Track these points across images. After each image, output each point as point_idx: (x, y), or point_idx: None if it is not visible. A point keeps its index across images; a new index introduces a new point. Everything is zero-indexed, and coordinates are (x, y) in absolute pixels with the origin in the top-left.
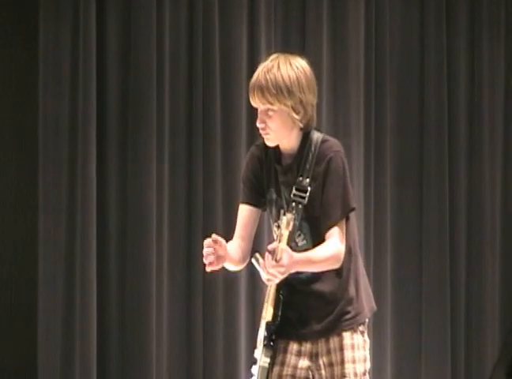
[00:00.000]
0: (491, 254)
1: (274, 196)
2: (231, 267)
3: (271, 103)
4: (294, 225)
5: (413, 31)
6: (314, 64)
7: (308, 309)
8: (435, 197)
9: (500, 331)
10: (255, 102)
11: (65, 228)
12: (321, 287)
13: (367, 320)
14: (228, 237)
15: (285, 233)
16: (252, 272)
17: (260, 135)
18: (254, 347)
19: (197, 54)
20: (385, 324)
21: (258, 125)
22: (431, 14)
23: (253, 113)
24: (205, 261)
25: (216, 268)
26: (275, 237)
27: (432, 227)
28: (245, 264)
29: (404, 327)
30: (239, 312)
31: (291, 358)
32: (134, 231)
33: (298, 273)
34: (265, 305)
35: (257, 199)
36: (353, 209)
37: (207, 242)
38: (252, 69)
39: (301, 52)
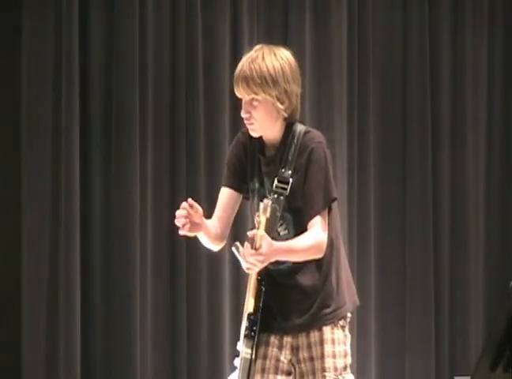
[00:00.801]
0: (474, 247)
1: (257, 185)
2: (206, 241)
3: (256, 93)
4: (272, 211)
5: (396, 26)
6: (297, 59)
7: (289, 302)
8: (419, 191)
9: (484, 323)
10: (240, 92)
11: (49, 228)
12: (301, 279)
13: (348, 314)
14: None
15: (263, 219)
16: (236, 267)
17: (244, 125)
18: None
19: (180, 51)
20: (369, 319)
21: (243, 115)
22: (413, 10)
23: (237, 110)
24: (177, 223)
25: (190, 234)
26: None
27: (416, 222)
28: (220, 246)
29: (388, 321)
30: (223, 307)
31: (272, 351)
32: (118, 230)
33: (279, 264)
34: (247, 295)
35: (239, 184)
36: (335, 199)
37: (182, 205)
38: (235, 66)
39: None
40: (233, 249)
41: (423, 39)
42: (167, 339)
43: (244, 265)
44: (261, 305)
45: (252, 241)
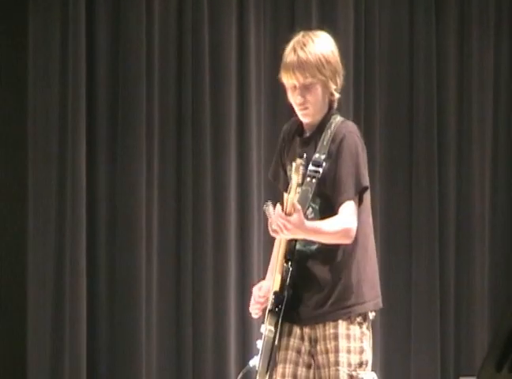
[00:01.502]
0: (480, 248)
1: (291, 171)
2: None
3: (313, 76)
4: (303, 193)
5: (403, 30)
6: None
7: (307, 292)
8: (425, 194)
9: (489, 324)
10: (295, 78)
11: (54, 225)
12: (321, 270)
13: (371, 314)
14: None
15: (294, 180)
16: (242, 267)
17: (293, 113)
18: (244, 343)
19: (186, 49)
20: (374, 321)
21: (297, 100)
22: (420, 13)
23: (243, 105)
24: (254, 316)
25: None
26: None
27: (422, 225)
28: None
29: (393, 321)
30: (229, 307)
31: (294, 342)
32: (124, 228)
33: (306, 244)
34: (274, 272)
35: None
36: (366, 188)
37: (257, 299)
38: (241, 59)
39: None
40: (264, 207)
41: (429, 43)
42: (172, 338)
43: (271, 227)
44: (286, 284)
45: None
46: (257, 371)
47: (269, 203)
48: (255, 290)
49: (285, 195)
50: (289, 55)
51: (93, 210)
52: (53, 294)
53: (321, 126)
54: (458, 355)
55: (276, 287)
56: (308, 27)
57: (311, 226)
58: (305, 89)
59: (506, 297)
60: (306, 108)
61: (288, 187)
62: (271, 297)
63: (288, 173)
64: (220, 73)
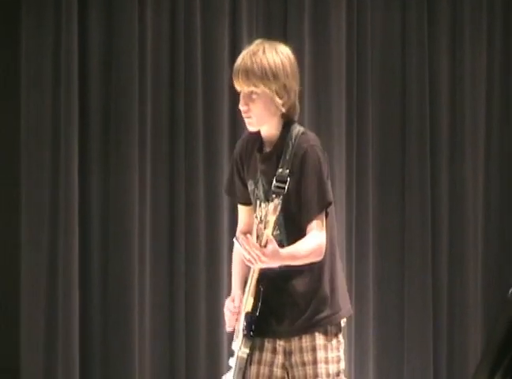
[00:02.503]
0: (473, 253)
1: (252, 187)
2: None
3: (255, 86)
4: (274, 209)
5: (395, 30)
6: (296, 58)
7: (282, 306)
8: (417, 197)
9: (483, 330)
10: (239, 84)
11: (47, 229)
12: (295, 284)
13: (342, 320)
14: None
15: (271, 219)
16: None
17: (242, 120)
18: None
19: (179, 56)
20: (367, 326)
21: (241, 107)
22: (412, 14)
23: (235, 111)
24: (229, 329)
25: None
26: (254, 228)
27: (414, 228)
28: None
29: (386, 328)
30: (222, 314)
31: (267, 356)
32: (117, 231)
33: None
34: (246, 295)
35: (248, 197)
36: (330, 203)
37: (232, 310)
38: (234, 63)
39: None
40: (235, 240)
41: (421, 43)
42: (165, 343)
43: (245, 257)
44: (259, 304)
45: (258, 236)
46: None
47: (238, 237)
48: (229, 303)
49: (258, 225)
50: (238, 60)
51: (86, 218)
52: (46, 299)
53: (281, 140)
54: (451, 362)
55: (249, 308)
56: (300, 33)
57: (286, 253)
58: (248, 98)
59: (499, 303)
60: (249, 117)
61: (246, 199)
62: (242, 318)
63: (251, 188)
64: (212, 78)
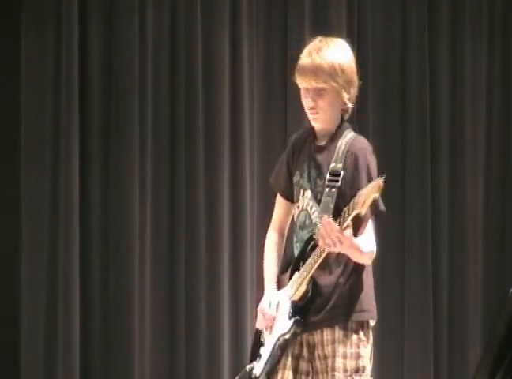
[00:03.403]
0: (473, 255)
1: (298, 177)
2: None
3: (325, 82)
4: (325, 203)
5: (395, 31)
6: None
7: (309, 298)
8: (418, 198)
9: (482, 333)
10: (307, 81)
11: (47, 230)
12: (322, 276)
13: (371, 322)
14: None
15: (357, 211)
16: (235, 272)
17: (305, 116)
18: (237, 350)
19: (179, 60)
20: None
21: (309, 103)
22: (412, 14)
23: (236, 111)
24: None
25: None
26: (294, 218)
27: (414, 232)
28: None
29: (386, 331)
30: (223, 317)
31: (294, 349)
32: (117, 232)
33: None
34: (296, 283)
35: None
36: (383, 211)
37: (268, 314)
38: (234, 74)
39: (283, 52)
40: (318, 218)
41: (421, 43)
42: (165, 341)
43: (324, 240)
44: (309, 295)
45: (343, 218)
46: (254, 377)
47: (321, 218)
48: (265, 306)
49: (345, 209)
50: (304, 58)
51: (86, 221)
52: (47, 299)
53: (336, 136)
54: (451, 365)
55: (297, 297)
56: (301, 36)
57: (356, 244)
58: (316, 94)
59: (499, 302)
60: (316, 113)
61: (287, 193)
62: (289, 305)
63: (296, 179)
64: (213, 82)
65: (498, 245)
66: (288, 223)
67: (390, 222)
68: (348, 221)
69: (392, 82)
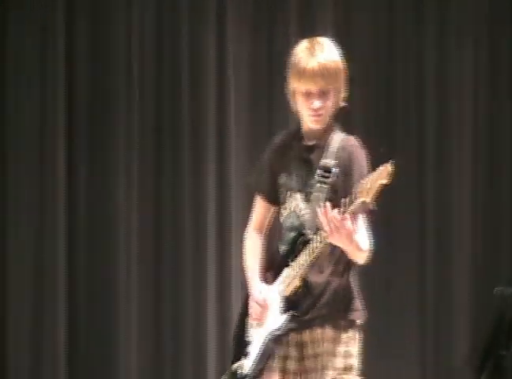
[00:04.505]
0: (460, 254)
1: (283, 179)
2: None
3: (331, 83)
4: (315, 199)
5: (381, 30)
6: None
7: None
8: (404, 199)
9: (470, 333)
10: (313, 84)
11: (34, 228)
12: (313, 274)
13: (358, 321)
14: None
15: (361, 200)
16: (221, 271)
17: (297, 119)
18: (223, 351)
19: (165, 60)
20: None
21: (315, 106)
22: (399, 12)
23: (221, 119)
24: (260, 318)
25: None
26: (281, 220)
27: (401, 233)
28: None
29: (373, 330)
30: (209, 320)
31: (280, 349)
32: (103, 231)
33: None
34: (287, 278)
35: (275, 196)
36: (374, 212)
37: (261, 300)
38: (220, 74)
39: (269, 51)
40: (317, 209)
41: (407, 43)
42: (151, 341)
43: (324, 226)
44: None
45: (343, 206)
46: (241, 375)
47: (321, 206)
48: (257, 294)
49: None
50: (308, 61)
51: (72, 220)
52: (33, 298)
53: (325, 133)
54: (439, 364)
55: (289, 292)
56: (286, 36)
57: (355, 239)
58: (322, 95)
59: (487, 308)
60: (320, 115)
61: (270, 195)
62: (279, 300)
63: (282, 181)
64: (199, 83)
65: (485, 244)
66: (267, 225)
67: (377, 222)
68: (350, 209)
69: (378, 81)
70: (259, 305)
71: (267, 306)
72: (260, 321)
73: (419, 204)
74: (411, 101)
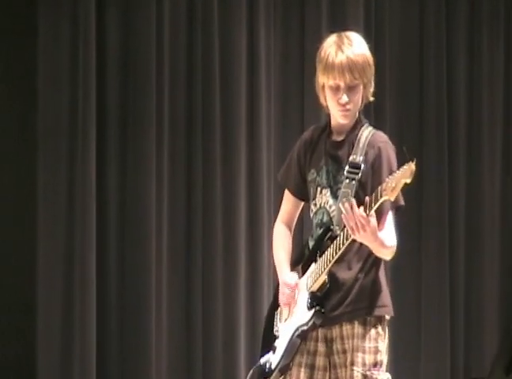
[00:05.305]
0: (490, 251)
1: (314, 175)
2: None
3: (359, 77)
4: (343, 195)
5: (412, 27)
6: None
7: (326, 292)
8: (434, 195)
9: (499, 327)
10: (342, 78)
11: (64, 226)
12: (341, 271)
13: (386, 316)
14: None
15: (385, 198)
16: (252, 269)
17: (326, 114)
18: (253, 345)
19: (196, 54)
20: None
21: (343, 100)
22: (430, 8)
23: (252, 113)
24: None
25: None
26: (311, 216)
27: (431, 226)
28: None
29: (403, 324)
30: (239, 307)
31: (310, 345)
32: (134, 229)
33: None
34: (314, 274)
35: (303, 192)
36: (402, 206)
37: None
38: (251, 68)
39: (300, 47)
40: (340, 205)
41: (439, 38)
42: (182, 339)
43: (348, 224)
44: (327, 286)
45: (369, 204)
46: (269, 369)
47: (344, 202)
48: (289, 279)
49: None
50: (336, 55)
51: (103, 216)
52: (63, 297)
53: (353, 129)
54: (468, 358)
55: (316, 287)
56: (318, 31)
57: (381, 238)
58: (350, 90)
59: None
60: (348, 109)
61: (298, 191)
62: (307, 296)
63: (312, 177)
64: (230, 77)
65: None
66: (296, 219)
67: (407, 218)
68: (375, 207)
69: (409, 78)
70: (290, 288)
71: (298, 288)
72: (290, 306)
73: (450, 200)
74: (442, 96)
